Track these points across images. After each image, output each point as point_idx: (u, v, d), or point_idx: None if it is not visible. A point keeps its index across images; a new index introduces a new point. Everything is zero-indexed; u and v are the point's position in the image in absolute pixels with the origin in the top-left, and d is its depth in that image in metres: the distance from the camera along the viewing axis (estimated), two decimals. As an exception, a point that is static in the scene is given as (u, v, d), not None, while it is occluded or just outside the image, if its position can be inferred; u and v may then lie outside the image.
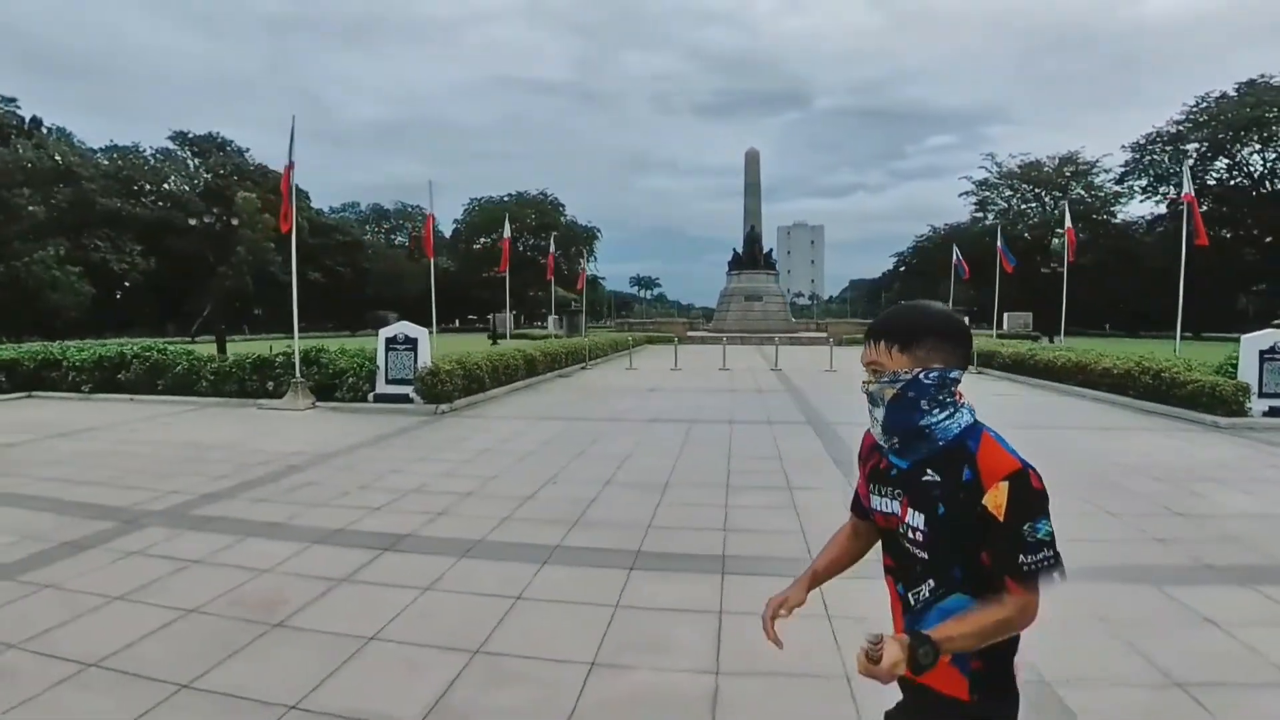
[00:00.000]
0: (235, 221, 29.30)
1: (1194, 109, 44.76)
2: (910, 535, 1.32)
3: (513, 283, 60.13)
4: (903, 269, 78.02)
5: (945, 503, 1.25)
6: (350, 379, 11.14)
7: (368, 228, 70.46)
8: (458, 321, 60.80)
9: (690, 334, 37.26)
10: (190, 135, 53.50)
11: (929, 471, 1.29)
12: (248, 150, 56.53)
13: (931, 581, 1.31)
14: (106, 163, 46.19)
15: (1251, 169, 43.21)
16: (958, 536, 1.24)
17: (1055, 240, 56.20)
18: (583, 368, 19.17)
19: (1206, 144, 44.44)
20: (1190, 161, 45.15)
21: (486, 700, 2.72)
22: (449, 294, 59.58)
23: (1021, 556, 1.18)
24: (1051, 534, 1.21)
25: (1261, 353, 10.41)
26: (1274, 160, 42.68)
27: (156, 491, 5.85)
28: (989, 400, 12.82)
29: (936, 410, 1.28)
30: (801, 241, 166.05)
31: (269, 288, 43.84)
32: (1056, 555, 1.20)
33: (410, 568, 4.13)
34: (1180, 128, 45.61)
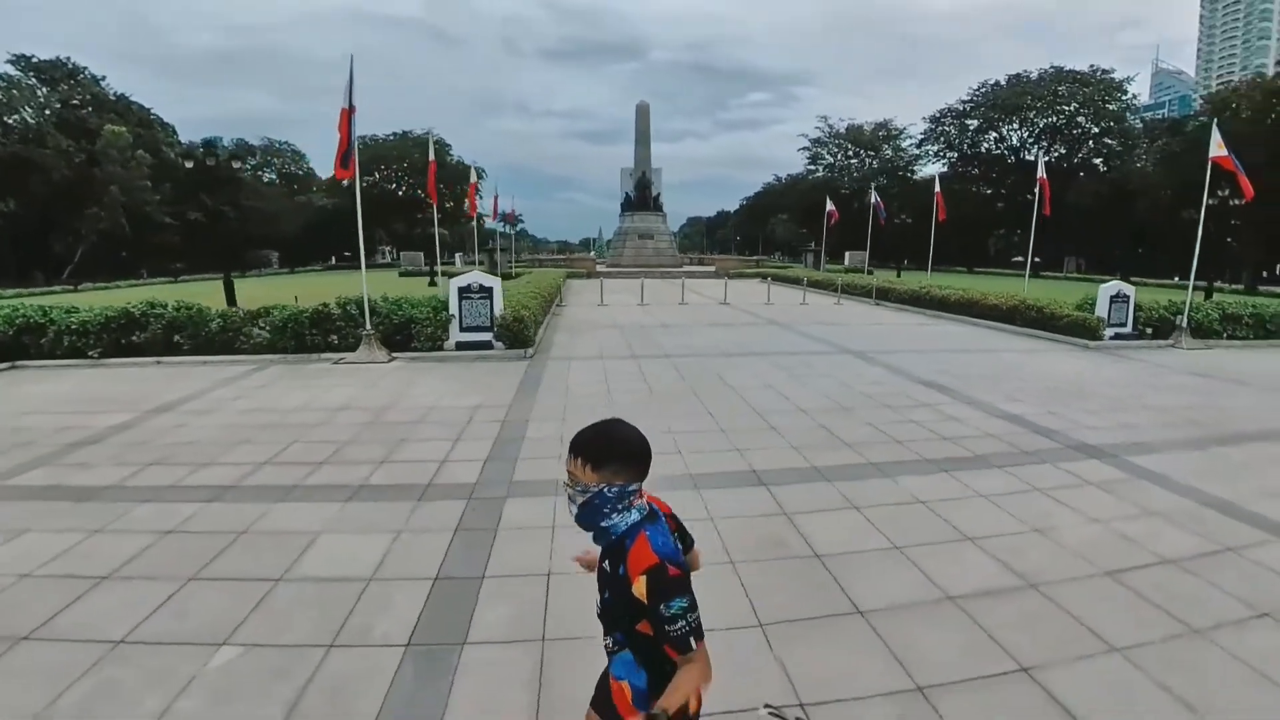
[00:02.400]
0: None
1: (976, 91, 51.92)
2: (597, 605, 1.61)
3: (401, 221, 54.76)
4: (745, 210, 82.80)
5: (609, 590, 1.53)
6: (429, 328, 10.42)
7: (236, 164, 59.00)
8: (334, 259, 54.50)
9: (598, 269, 37.40)
10: (34, 59, 40.31)
11: (606, 563, 1.55)
12: (104, 79, 43.93)
13: (610, 639, 1.59)
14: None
15: (1010, 142, 51.53)
16: (620, 613, 1.51)
17: (873, 194, 63.36)
18: (560, 304, 19.00)
19: (982, 120, 52.00)
20: (971, 133, 52.64)
21: None
22: (331, 232, 53.12)
23: (666, 627, 1.41)
24: (684, 608, 1.41)
25: (1110, 296, 13.57)
26: (1025, 137, 51.25)
27: (430, 460, 5.57)
28: (914, 330, 15.08)
29: (615, 515, 1.51)
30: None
31: (145, 229, 35.75)
32: (691, 624, 1.41)
33: (853, 491, 4.79)
34: (965, 106, 52.73)
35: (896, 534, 4.14)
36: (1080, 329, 13.22)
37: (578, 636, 2.95)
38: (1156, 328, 13.46)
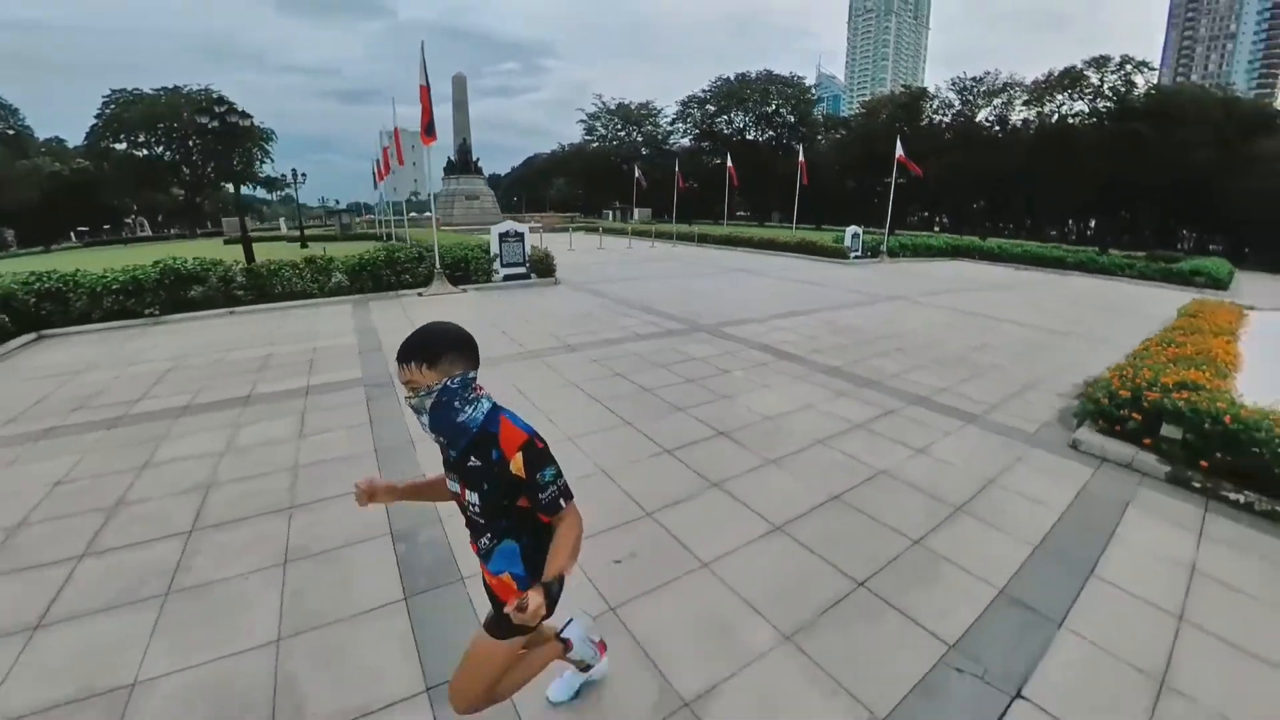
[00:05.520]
0: None
1: (714, 83, 62.43)
2: (471, 508, 1.59)
3: (176, 188, 44.23)
4: (523, 172, 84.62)
5: (488, 481, 1.52)
6: (484, 264, 12.89)
7: None
8: (72, 236, 42.29)
9: (444, 229, 37.46)
10: None
11: (472, 459, 1.53)
12: None
13: (489, 535, 1.60)
14: None
15: (736, 126, 63.55)
16: (501, 499, 1.54)
17: (676, 163, 71.62)
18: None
19: (718, 107, 62.87)
20: (711, 115, 63.19)
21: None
22: (74, 205, 41.00)
23: (539, 495, 1.51)
24: (554, 474, 1.53)
25: (852, 235, 21.61)
26: (747, 121, 63.69)
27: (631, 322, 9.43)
28: (754, 260, 21.26)
29: (466, 407, 1.50)
30: (405, 145, 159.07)
31: None
32: (560, 488, 1.54)
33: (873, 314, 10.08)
34: (706, 94, 63.07)
35: (862, 326, 9.69)
36: (838, 254, 21.08)
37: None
38: (871, 251, 22.07)
